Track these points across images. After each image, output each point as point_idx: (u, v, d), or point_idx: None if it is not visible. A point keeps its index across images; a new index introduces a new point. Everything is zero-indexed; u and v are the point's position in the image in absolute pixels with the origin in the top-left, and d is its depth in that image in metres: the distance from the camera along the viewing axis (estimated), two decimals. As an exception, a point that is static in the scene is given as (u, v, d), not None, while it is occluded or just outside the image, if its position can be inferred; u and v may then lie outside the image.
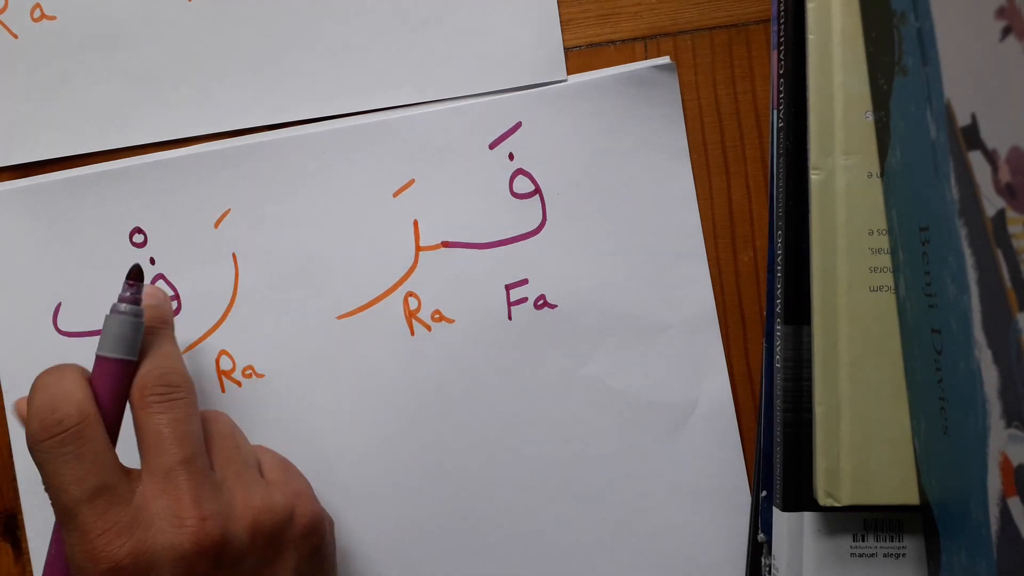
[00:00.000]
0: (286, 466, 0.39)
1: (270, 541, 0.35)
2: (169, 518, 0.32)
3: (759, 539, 0.38)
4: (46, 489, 0.33)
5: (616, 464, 0.40)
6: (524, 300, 0.40)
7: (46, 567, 0.35)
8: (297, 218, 0.41)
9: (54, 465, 0.32)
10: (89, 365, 0.40)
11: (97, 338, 0.41)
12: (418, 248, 0.41)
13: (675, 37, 0.40)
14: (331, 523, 0.39)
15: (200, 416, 0.36)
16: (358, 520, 0.41)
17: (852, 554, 0.37)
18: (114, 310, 0.35)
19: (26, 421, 0.33)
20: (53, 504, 0.33)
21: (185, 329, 0.41)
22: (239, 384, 0.41)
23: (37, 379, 0.34)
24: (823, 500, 0.34)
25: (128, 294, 0.35)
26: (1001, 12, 0.25)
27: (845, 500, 0.34)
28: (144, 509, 0.33)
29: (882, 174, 0.34)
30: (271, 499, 0.35)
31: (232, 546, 0.33)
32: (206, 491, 0.33)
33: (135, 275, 0.35)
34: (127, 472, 0.34)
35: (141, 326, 0.35)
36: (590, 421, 0.40)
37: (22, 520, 0.41)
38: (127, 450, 0.35)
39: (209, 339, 0.41)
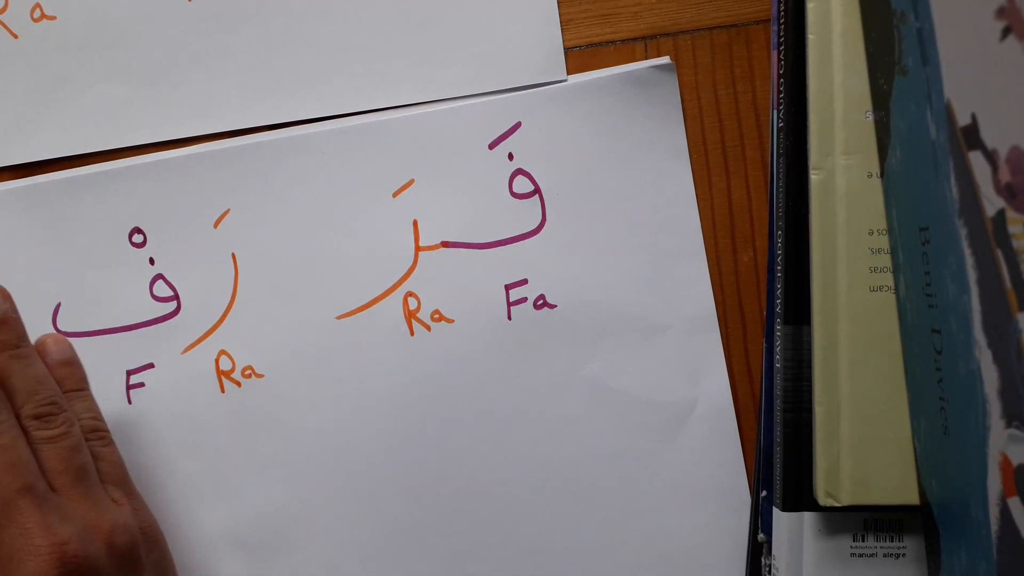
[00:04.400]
0: (124, 479, 0.37)
1: (127, 558, 0.34)
2: (24, 549, 0.32)
3: (759, 539, 0.38)
4: None
5: (615, 464, 0.40)
6: (524, 300, 0.40)
7: None
8: (296, 218, 0.41)
9: None
10: (89, 363, 0.40)
11: (96, 339, 0.41)
12: (418, 248, 0.41)
13: (675, 37, 0.40)
14: (162, 533, 0.38)
15: (22, 432, 0.34)
16: (357, 519, 0.41)
17: (852, 554, 0.37)
18: None
19: None
20: None
21: (184, 329, 0.41)
22: (238, 384, 0.41)
23: None
24: (823, 500, 0.34)
25: None
26: (1001, 12, 0.25)
27: (845, 500, 0.34)
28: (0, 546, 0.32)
29: (882, 174, 0.34)
30: (122, 517, 0.35)
31: (96, 566, 0.33)
32: (53, 516, 0.33)
33: None
34: None
35: None
36: (589, 421, 0.40)
37: (22, 520, 0.41)
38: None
39: (208, 339, 0.41)
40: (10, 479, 0.33)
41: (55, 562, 0.32)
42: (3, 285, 0.37)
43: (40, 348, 0.37)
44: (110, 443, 0.38)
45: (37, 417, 0.35)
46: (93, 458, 0.36)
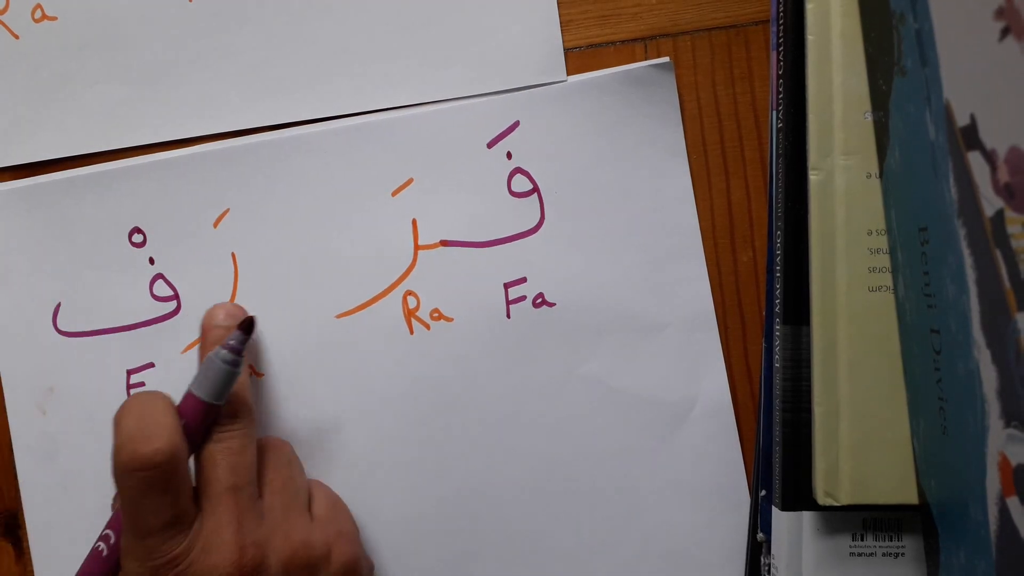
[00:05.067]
0: (335, 504, 0.39)
1: (302, 574, 0.36)
2: (214, 541, 0.34)
3: (758, 538, 0.38)
4: (121, 507, 0.34)
5: (615, 462, 0.40)
6: (523, 298, 0.40)
7: (92, 555, 0.36)
8: (296, 218, 0.41)
9: (138, 493, 0.33)
10: (89, 363, 0.40)
11: (96, 339, 0.41)
12: (417, 247, 0.41)
13: (675, 38, 0.40)
14: (371, 567, 0.40)
15: (255, 445, 0.37)
16: (357, 518, 0.41)
17: (851, 553, 0.37)
18: (218, 355, 0.35)
19: (116, 445, 0.33)
20: (124, 518, 0.34)
21: (184, 329, 0.41)
22: (239, 384, 0.41)
23: (128, 402, 0.35)
24: (822, 500, 0.34)
25: (234, 343, 0.35)
26: (1000, 12, 0.25)
27: (844, 500, 0.34)
28: (198, 533, 0.34)
29: (881, 174, 0.34)
30: (311, 535, 0.36)
31: (268, 574, 0.35)
32: (249, 519, 0.35)
33: (247, 327, 0.36)
34: (194, 500, 0.35)
35: (236, 376, 0.36)
36: (589, 419, 0.40)
37: (23, 519, 0.41)
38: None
39: (209, 339, 0.41)
40: (226, 476, 0.35)
41: (233, 559, 0.34)
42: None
43: None
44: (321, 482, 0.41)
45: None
46: (307, 482, 0.39)
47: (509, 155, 0.40)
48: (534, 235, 0.40)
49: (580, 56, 0.41)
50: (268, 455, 0.38)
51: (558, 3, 0.40)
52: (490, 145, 0.40)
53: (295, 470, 0.38)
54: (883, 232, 0.34)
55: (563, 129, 0.40)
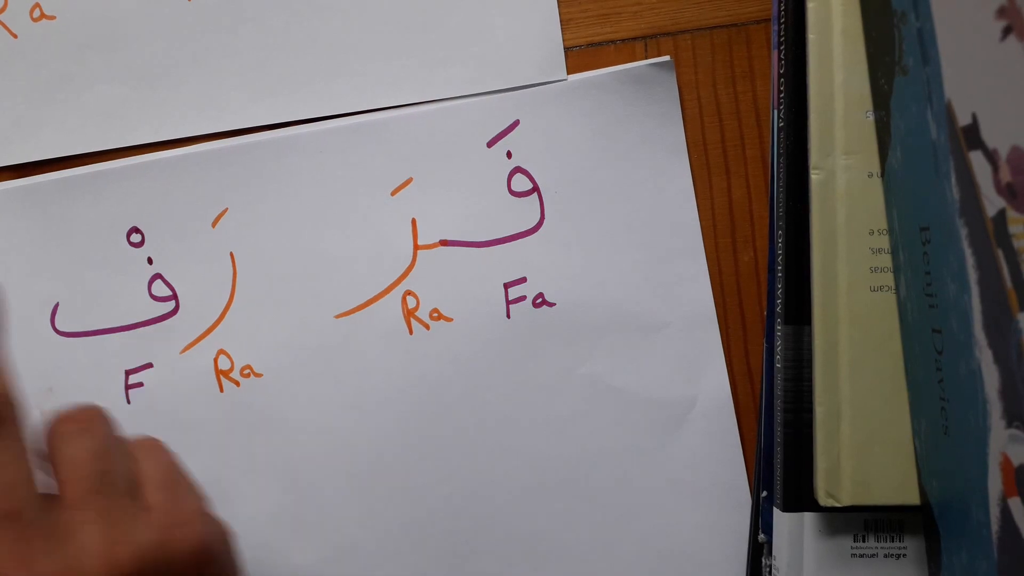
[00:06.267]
0: (167, 482, 0.32)
1: None
2: None
3: (759, 539, 0.38)
4: None
5: (615, 462, 0.40)
6: (522, 298, 0.40)
7: None
8: (295, 217, 0.41)
9: None
10: (87, 364, 0.40)
11: (94, 339, 0.41)
12: (416, 247, 0.41)
13: (675, 37, 0.40)
14: (226, 537, 0.33)
15: (25, 457, 0.29)
16: (356, 519, 0.41)
17: (853, 554, 0.36)
18: None
19: None
20: None
21: (183, 329, 0.41)
22: (237, 384, 0.41)
23: None
24: (823, 500, 0.34)
25: None
26: (1001, 12, 0.24)
27: (846, 500, 0.34)
28: None
29: (882, 174, 0.34)
30: (140, 535, 0.29)
31: None
32: (37, 546, 0.28)
33: None
34: None
35: None
36: (589, 419, 0.40)
37: (21, 520, 0.41)
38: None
39: (207, 339, 0.41)
40: None
41: None
42: (6, 285, 0.35)
43: None
44: (156, 445, 0.33)
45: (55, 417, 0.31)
46: (132, 461, 0.32)
47: (509, 154, 0.40)
48: (534, 235, 0.40)
49: (580, 55, 0.40)
50: (64, 452, 0.30)
51: (558, 2, 0.40)
52: (490, 144, 0.40)
53: (109, 463, 0.31)
54: (885, 232, 0.34)
55: (563, 128, 0.40)
